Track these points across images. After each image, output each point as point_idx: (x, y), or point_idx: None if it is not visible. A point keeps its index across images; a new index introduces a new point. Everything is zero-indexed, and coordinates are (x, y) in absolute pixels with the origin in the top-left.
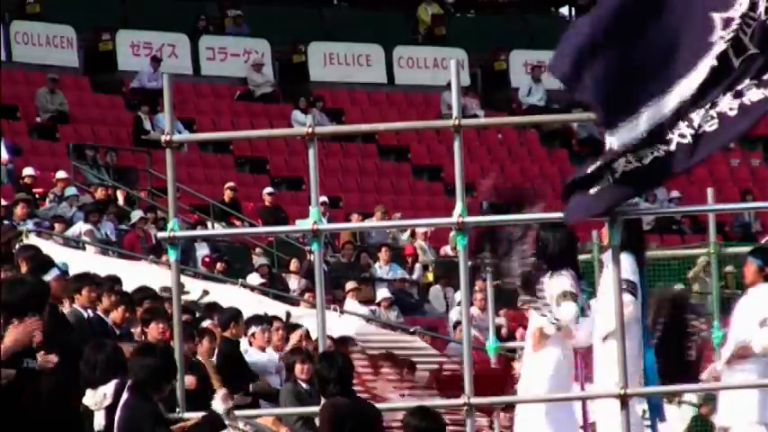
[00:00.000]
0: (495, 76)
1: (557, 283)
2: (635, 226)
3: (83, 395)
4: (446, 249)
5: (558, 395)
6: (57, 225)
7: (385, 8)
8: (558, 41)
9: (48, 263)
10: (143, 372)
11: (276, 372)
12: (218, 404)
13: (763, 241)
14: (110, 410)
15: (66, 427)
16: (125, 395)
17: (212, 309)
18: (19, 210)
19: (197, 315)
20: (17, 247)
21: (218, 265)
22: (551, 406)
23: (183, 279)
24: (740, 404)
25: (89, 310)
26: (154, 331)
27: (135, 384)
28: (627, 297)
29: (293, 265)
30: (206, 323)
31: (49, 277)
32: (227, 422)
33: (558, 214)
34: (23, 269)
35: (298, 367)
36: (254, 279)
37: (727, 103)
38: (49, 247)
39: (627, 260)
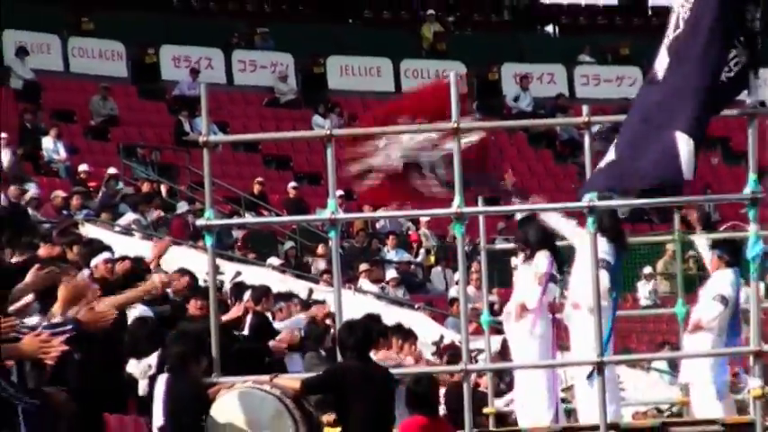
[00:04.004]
0: (489, 86)
1: (539, 264)
2: (613, 217)
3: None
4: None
5: (541, 362)
6: (107, 215)
7: (393, 27)
8: (542, 56)
9: (100, 248)
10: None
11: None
12: None
13: (721, 229)
14: (152, 379)
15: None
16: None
17: (240, 287)
18: (75, 201)
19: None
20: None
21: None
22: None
23: (219, 261)
24: (697, 367)
25: None
26: (192, 308)
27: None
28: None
29: (320, 249)
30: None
31: (97, 260)
32: (251, 385)
33: (544, 206)
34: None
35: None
36: (278, 261)
37: None
38: (101, 234)
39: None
